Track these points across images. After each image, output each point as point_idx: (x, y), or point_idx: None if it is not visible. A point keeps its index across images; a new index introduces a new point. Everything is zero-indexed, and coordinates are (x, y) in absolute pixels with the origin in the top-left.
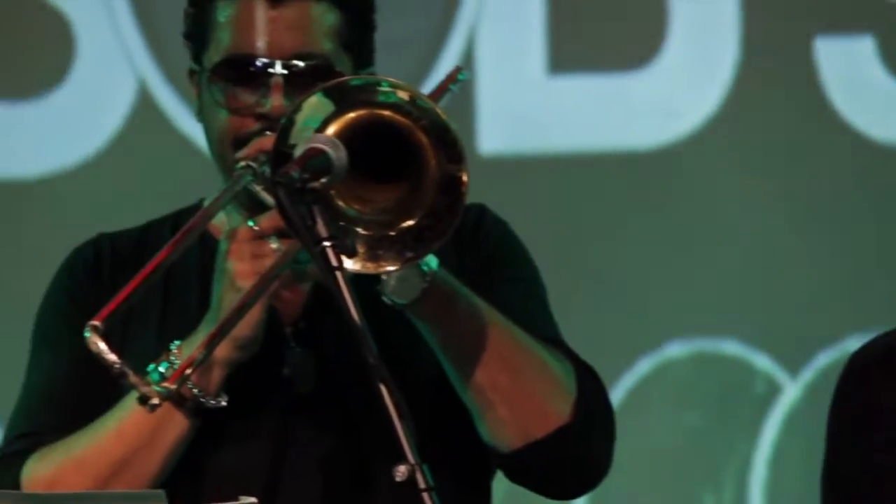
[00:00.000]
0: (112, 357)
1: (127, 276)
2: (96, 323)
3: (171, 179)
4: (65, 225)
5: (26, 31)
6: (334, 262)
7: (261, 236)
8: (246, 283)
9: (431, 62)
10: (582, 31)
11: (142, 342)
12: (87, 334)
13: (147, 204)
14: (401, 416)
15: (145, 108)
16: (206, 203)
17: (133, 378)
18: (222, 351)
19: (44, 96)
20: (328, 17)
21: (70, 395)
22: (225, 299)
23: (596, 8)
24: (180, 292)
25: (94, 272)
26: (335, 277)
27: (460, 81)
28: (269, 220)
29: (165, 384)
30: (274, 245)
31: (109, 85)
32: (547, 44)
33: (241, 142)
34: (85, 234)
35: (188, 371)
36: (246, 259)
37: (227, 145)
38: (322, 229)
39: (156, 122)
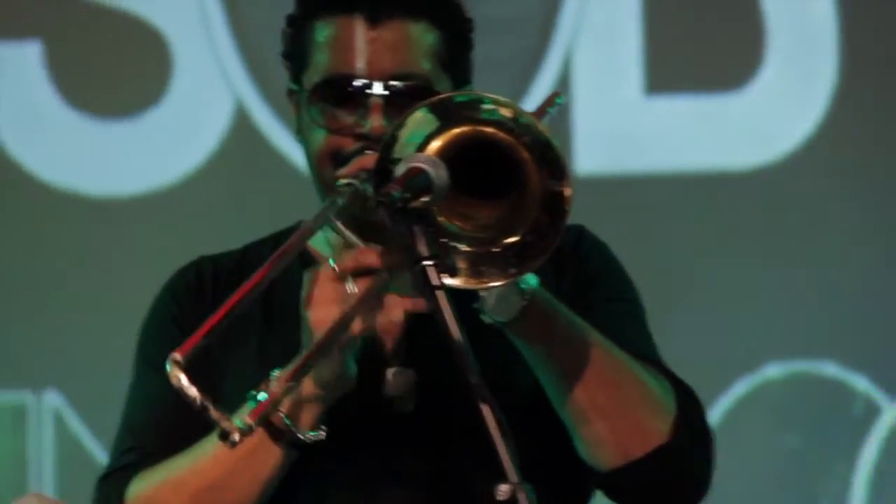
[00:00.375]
0: (193, 392)
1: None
2: (178, 357)
3: (268, 199)
4: (160, 243)
5: (124, 49)
6: (435, 281)
7: (342, 276)
8: (322, 332)
9: (528, 82)
10: (679, 51)
11: (242, 364)
12: (167, 368)
13: (244, 223)
14: (503, 435)
15: (242, 128)
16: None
17: (214, 414)
18: (312, 390)
19: (141, 115)
20: (427, 37)
21: (174, 416)
22: (308, 345)
23: (693, 28)
24: (281, 313)
25: (197, 294)
26: (435, 296)
27: (558, 105)
28: (350, 259)
29: (247, 419)
30: (351, 288)
31: (207, 104)
32: (644, 64)
33: (339, 160)
34: (181, 252)
35: (268, 409)
36: (322, 305)
37: (325, 164)
38: (423, 248)
39: (253, 141)
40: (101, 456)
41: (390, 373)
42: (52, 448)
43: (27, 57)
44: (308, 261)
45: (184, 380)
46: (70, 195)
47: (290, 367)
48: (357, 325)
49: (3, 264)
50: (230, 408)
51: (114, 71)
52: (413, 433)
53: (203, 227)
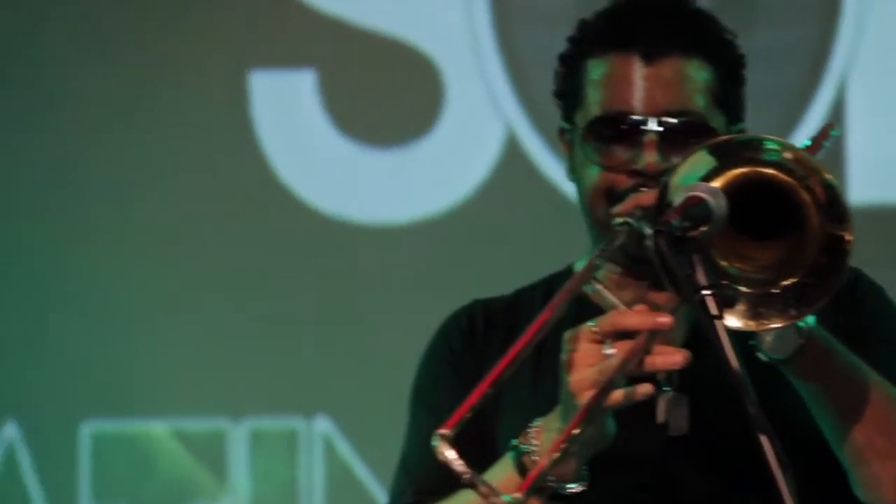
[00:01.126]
0: (461, 467)
1: (499, 344)
2: (445, 432)
3: (539, 230)
4: (430, 272)
5: (397, 78)
6: (714, 311)
7: (602, 338)
8: (583, 398)
9: (801, 112)
10: None
11: (516, 402)
12: (434, 443)
13: (513, 254)
14: (782, 468)
15: (514, 158)
16: (576, 266)
17: (482, 490)
18: (573, 448)
19: (413, 143)
20: (701, 74)
21: None
22: (566, 410)
23: None
24: (553, 352)
25: (469, 338)
26: (715, 326)
27: (832, 137)
28: (608, 322)
29: (516, 495)
30: (609, 351)
31: (478, 133)
32: None
33: (614, 198)
34: (451, 282)
35: (536, 483)
36: (581, 368)
37: (599, 201)
38: (701, 278)
39: (524, 171)
40: (370, 483)
41: (664, 399)
42: (323, 474)
43: (301, 85)
44: (582, 300)
45: (450, 455)
46: (340, 222)
47: (555, 436)
48: (617, 395)
49: (274, 289)
50: (502, 446)
51: (386, 99)
52: (687, 457)
53: (473, 258)
